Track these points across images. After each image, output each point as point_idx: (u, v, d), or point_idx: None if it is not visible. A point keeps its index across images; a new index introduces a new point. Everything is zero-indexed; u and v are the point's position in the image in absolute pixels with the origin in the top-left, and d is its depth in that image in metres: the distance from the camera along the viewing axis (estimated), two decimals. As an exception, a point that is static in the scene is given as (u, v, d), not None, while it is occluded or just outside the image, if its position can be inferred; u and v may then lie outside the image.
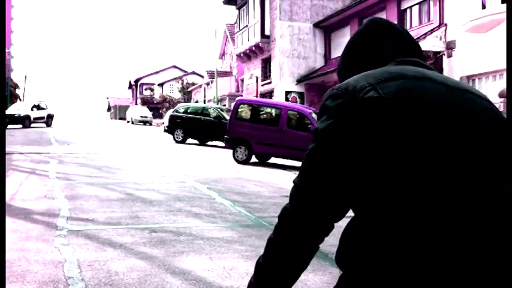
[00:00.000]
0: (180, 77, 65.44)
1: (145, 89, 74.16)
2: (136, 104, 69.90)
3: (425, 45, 20.53)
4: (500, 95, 13.84)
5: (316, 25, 30.36)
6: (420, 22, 22.91)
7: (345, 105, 1.36)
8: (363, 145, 1.32)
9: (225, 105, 37.69)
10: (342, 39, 29.12)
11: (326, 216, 1.37)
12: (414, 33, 22.07)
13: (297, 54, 30.26)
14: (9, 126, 34.21)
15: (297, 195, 1.39)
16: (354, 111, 1.34)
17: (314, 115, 15.66)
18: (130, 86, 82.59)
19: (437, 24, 20.91)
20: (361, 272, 1.32)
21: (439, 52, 20.53)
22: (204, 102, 46.87)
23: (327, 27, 30.28)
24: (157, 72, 76.20)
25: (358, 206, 1.38)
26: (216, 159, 17.75)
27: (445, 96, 1.38)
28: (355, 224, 1.38)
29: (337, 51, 29.60)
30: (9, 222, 6.91)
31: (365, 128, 1.32)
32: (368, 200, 1.34)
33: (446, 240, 1.25)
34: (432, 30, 20.73)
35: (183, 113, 25.35)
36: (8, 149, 17.80)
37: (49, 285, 4.51)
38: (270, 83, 31.19)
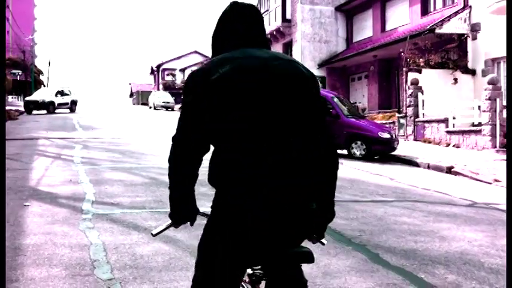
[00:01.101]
0: (201, 62, 65.34)
1: (167, 75, 74.38)
2: (158, 89, 70.19)
3: (450, 27, 20.23)
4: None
5: (338, 8, 30.06)
6: (444, 4, 22.55)
7: (200, 83, 2.09)
8: (213, 109, 2.05)
9: (246, 90, 37.62)
10: (364, 22, 28.81)
11: (193, 150, 2.14)
12: (438, 16, 21.78)
13: (318, 38, 30.05)
14: (34, 112, 34.68)
15: (173, 141, 2.16)
16: (206, 88, 2.06)
17: (336, 99, 15.56)
18: (152, 72, 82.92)
19: (462, 6, 20.57)
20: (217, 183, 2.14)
21: (464, 34, 20.22)
22: (226, 87, 46.80)
23: (348, 10, 29.97)
24: (178, 58, 76.25)
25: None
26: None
27: (260, 66, 2.10)
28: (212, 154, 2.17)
29: (359, 35, 29.31)
30: (36, 206, 7.04)
31: (213, 98, 2.04)
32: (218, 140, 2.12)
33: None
34: (456, 13, 20.40)
35: (204, 98, 25.37)
36: (33, 134, 18.10)
37: (75, 268, 4.59)
38: (291, 67, 31.03)
